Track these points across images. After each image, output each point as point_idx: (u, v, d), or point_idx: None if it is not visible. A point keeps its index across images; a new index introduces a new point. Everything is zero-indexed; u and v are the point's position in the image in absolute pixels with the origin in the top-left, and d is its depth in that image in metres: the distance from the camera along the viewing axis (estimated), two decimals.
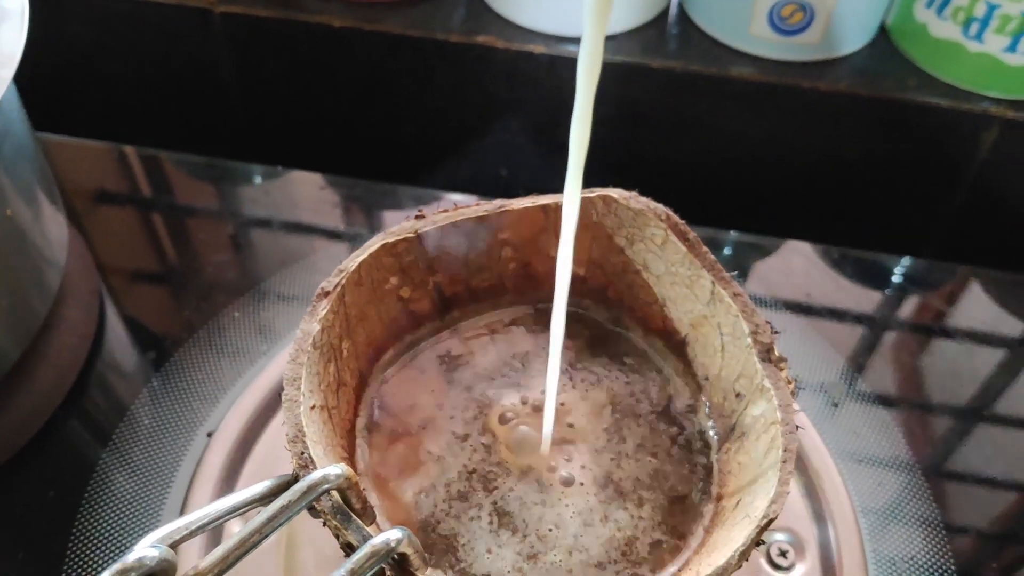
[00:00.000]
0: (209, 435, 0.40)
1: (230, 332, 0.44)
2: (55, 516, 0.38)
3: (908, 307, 0.50)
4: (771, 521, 0.26)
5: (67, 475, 0.39)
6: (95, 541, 0.37)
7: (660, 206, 0.33)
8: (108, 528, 0.37)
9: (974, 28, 0.50)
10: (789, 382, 0.29)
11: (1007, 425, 0.45)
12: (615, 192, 0.33)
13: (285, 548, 0.37)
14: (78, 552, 0.36)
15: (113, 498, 0.38)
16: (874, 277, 0.51)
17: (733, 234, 0.52)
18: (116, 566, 0.21)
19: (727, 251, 0.52)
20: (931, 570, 0.38)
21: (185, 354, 0.43)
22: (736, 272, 0.32)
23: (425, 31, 0.55)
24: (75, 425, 0.41)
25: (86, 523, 0.37)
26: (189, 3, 0.56)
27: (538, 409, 0.33)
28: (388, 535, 0.23)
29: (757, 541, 0.26)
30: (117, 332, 0.45)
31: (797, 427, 0.28)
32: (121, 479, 0.39)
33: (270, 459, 0.39)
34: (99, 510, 0.38)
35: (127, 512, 0.38)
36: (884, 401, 0.44)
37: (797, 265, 0.51)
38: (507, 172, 0.62)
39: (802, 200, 0.59)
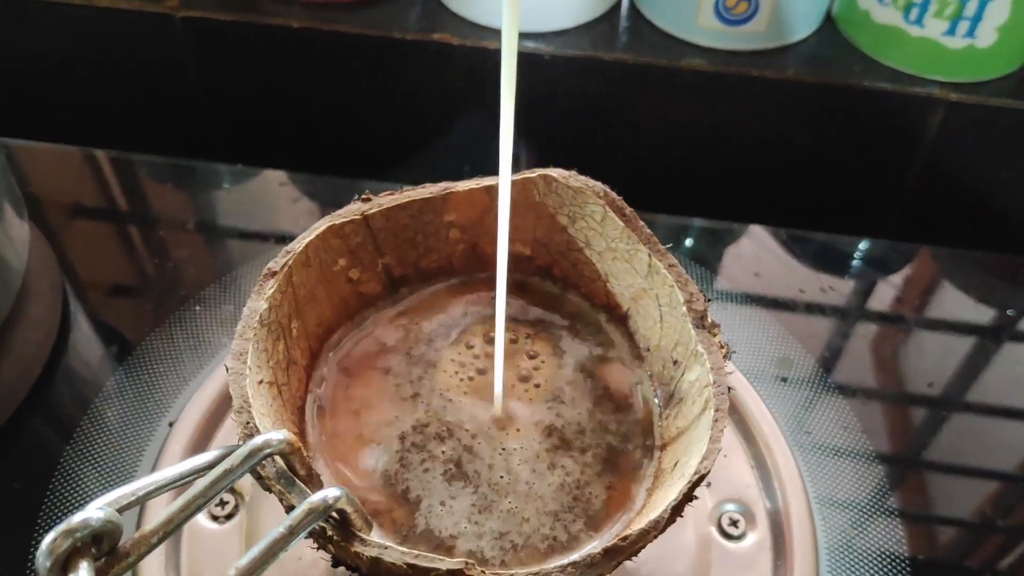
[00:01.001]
0: (171, 425, 0.41)
1: (192, 325, 0.45)
2: (21, 507, 0.38)
3: (865, 287, 0.51)
4: (702, 477, 0.27)
5: (31, 467, 0.40)
6: None
7: (598, 184, 0.34)
8: (74, 512, 0.38)
9: (914, 13, 0.51)
10: (722, 347, 0.30)
11: (959, 408, 0.46)
12: (555, 171, 0.34)
13: (246, 533, 0.37)
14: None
15: (77, 488, 0.39)
16: (831, 259, 0.52)
17: (691, 221, 0.53)
18: (61, 527, 0.22)
19: (687, 240, 0.53)
20: (879, 533, 0.39)
21: (148, 347, 0.44)
22: (670, 245, 0.33)
23: (382, 30, 0.56)
24: (39, 419, 0.42)
25: (51, 513, 0.38)
26: (151, 8, 0.57)
27: (484, 372, 0.34)
28: (326, 492, 0.24)
29: (689, 497, 0.27)
30: (81, 327, 0.45)
31: (730, 388, 0.30)
32: (85, 470, 0.40)
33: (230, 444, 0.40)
34: (63, 500, 0.39)
35: (93, 498, 0.38)
36: (839, 381, 0.45)
37: (754, 249, 0.52)
38: (470, 167, 0.63)
39: (757, 186, 0.61)
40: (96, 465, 0.40)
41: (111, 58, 0.61)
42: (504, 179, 0.27)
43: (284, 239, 0.50)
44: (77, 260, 0.49)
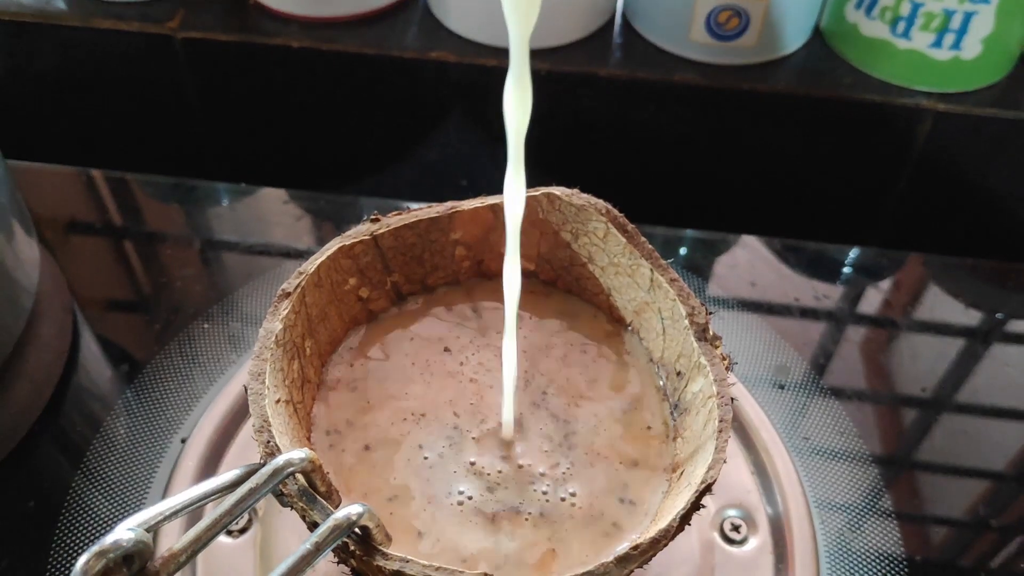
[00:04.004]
0: (183, 441, 0.41)
1: (200, 343, 0.46)
2: (36, 526, 0.39)
3: (858, 294, 0.52)
4: (709, 486, 0.28)
5: (45, 487, 0.40)
6: (76, 544, 0.38)
7: (600, 201, 0.35)
8: (88, 531, 0.39)
9: (901, 26, 0.53)
10: (724, 358, 0.31)
11: (951, 409, 0.47)
12: (558, 190, 0.35)
13: (260, 547, 0.38)
14: (61, 554, 0.38)
15: (91, 507, 0.40)
16: (825, 267, 0.53)
17: (684, 232, 0.54)
18: (95, 548, 0.23)
19: (682, 249, 0.54)
20: (877, 534, 0.40)
21: (157, 366, 0.45)
22: (671, 260, 0.34)
23: (380, 49, 0.57)
24: (52, 439, 0.42)
25: (66, 531, 0.39)
26: (151, 30, 0.58)
27: (492, 387, 0.35)
28: (349, 509, 0.25)
29: (697, 506, 0.28)
30: (91, 348, 0.46)
31: (733, 399, 0.30)
32: (98, 488, 0.40)
33: (243, 460, 0.40)
34: (78, 519, 0.39)
35: (106, 516, 0.39)
36: (833, 385, 0.46)
37: (749, 258, 0.53)
38: (467, 181, 0.64)
39: (750, 197, 0.62)
40: (109, 483, 0.40)
41: (111, 79, 0.62)
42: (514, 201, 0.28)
43: (289, 256, 0.51)
44: (84, 281, 0.49)
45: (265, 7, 0.59)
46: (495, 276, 0.37)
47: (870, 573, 0.39)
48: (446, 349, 0.36)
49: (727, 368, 0.31)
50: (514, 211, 0.29)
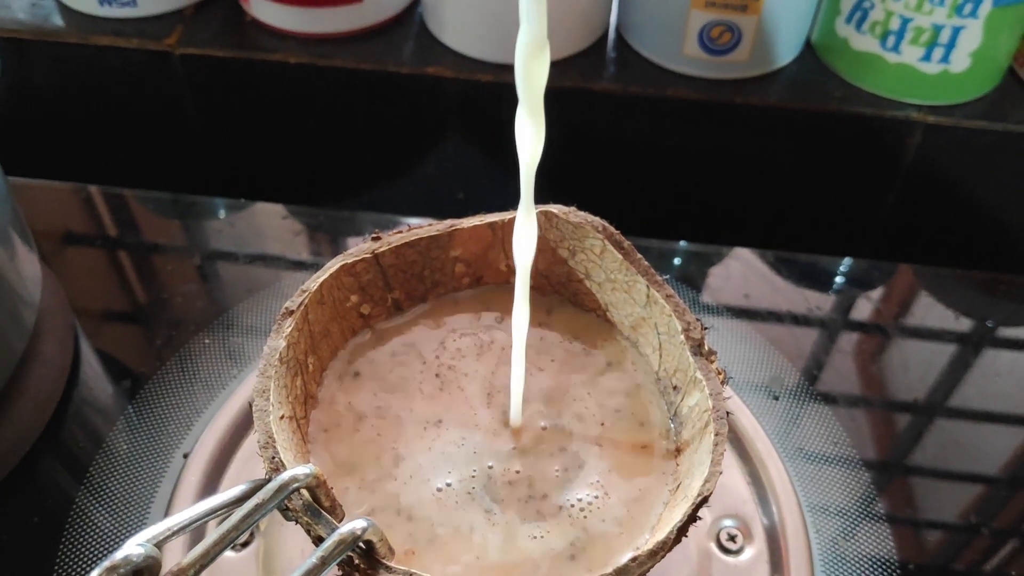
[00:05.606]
0: (185, 456, 0.42)
1: (201, 359, 0.46)
2: (40, 541, 0.39)
3: (850, 305, 0.53)
4: (705, 499, 0.29)
5: (50, 501, 0.41)
6: (81, 559, 0.39)
7: (597, 218, 0.36)
8: (92, 546, 0.39)
9: (891, 40, 0.54)
10: (719, 372, 0.32)
11: (944, 416, 0.47)
12: (555, 208, 0.36)
13: (262, 561, 0.39)
14: (65, 569, 0.38)
15: (94, 523, 0.40)
16: (817, 279, 0.54)
17: (679, 244, 0.55)
18: (105, 563, 0.24)
19: (676, 261, 0.54)
20: (871, 541, 0.41)
21: (159, 382, 0.45)
22: (667, 277, 0.35)
23: (377, 64, 0.58)
24: (56, 453, 0.43)
25: (71, 543, 0.39)
26: (149, 46, 0.59)
27: (498, 393, 0.35)
28: (353, 524, 0.25)
29: (693, 518, 0.29)
30: (92, 364, 0.47)
31: (728, 413, 0.31)
32: (102, 502, 0.41)
33: (245, 474, 0.41)
34: (83, 531, 0.40)
35: (110, 531, 0.40)
36: (825, 394, 0.47)
37: (741, 270, 0.54)
38: (463, 195, 0.64)
39: (743, 209, 0.62)
40: (112, 498, 0.41)
41: (110, 95, 0.62)
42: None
43: (288, 271, 0.52)
44: (84, 297, 0.50)
45: (263, 23, 0.59)
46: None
47: None
48: (441, 353, 0.36)
49: (722, 382, 0.32)
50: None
